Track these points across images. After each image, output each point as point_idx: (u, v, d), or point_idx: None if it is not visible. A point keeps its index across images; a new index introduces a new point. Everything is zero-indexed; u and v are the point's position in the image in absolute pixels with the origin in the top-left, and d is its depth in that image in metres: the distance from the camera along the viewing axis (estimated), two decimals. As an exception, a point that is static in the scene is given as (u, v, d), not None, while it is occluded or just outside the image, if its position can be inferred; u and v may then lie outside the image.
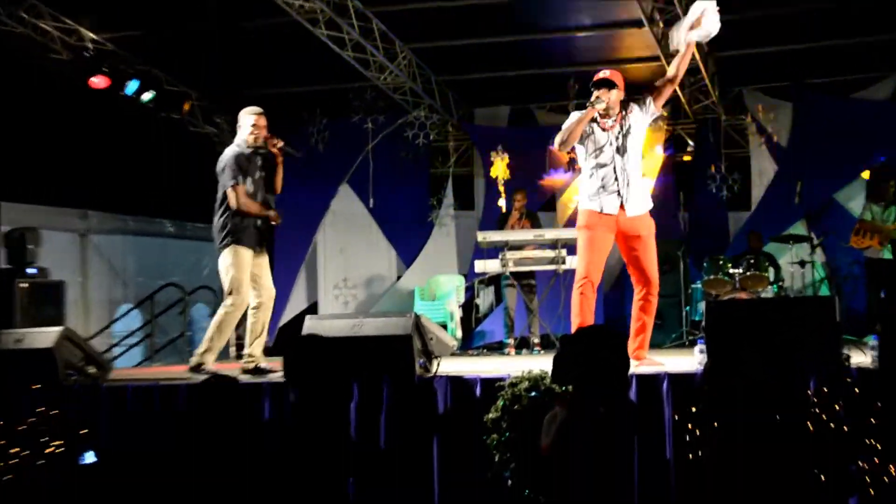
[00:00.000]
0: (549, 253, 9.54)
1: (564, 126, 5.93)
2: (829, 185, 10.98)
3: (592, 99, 5.82)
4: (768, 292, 9.96)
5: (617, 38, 10.56)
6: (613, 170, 5.85)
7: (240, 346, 7.14)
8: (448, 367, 5.73)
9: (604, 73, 5.89)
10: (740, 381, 4.39)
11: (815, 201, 10.82)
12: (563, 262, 9.45)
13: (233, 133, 12.09)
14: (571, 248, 9.55)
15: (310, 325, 5.49)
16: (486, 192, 12.03)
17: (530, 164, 11.77)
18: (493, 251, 9.82)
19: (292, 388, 4.93)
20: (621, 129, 5.88)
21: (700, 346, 5.19)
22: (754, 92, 11.62)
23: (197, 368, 6.38)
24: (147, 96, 10.47)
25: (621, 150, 5.85)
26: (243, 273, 6.43)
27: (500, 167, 11.74)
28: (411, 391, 5.32)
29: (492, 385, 5.22)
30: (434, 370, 5.54)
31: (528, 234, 9.62)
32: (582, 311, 5.83)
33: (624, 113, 5.91)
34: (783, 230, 10.63)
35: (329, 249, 12.34)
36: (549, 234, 9.59)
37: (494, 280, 11.59)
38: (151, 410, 5.57)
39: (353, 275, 12.31)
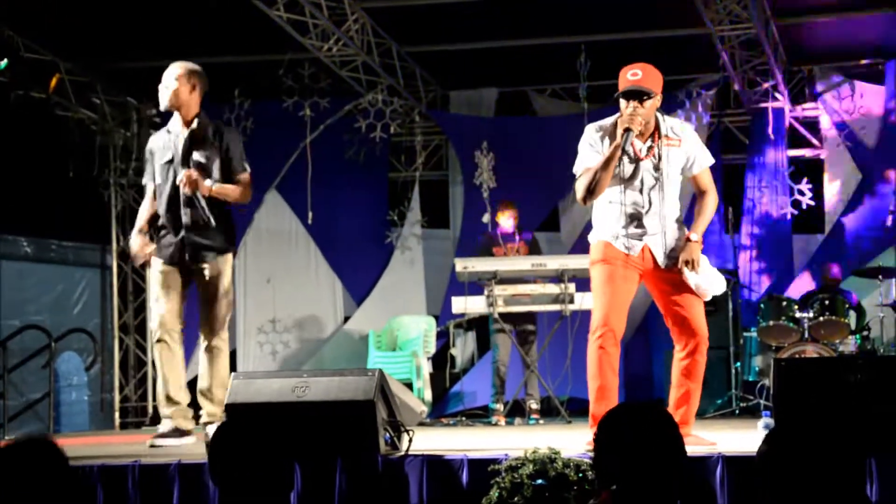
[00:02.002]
0: (552, 288, 9.63)
1: (584, 168, 5.88)
2: (933, 199, 11.18)
3: (620, 135, 5.71)
4: (849, 344, 10.09)
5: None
6: (646, 212, 5.83)
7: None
8: (421, 442, 5.76)
9: (633, 75, 5.77)
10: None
11: (915, 221, 11.02)
12: (571, 301, 9.54)
13: (116, 118, 12.37)
14: (582, 281, 9.65)
15: (236, 387, 5.51)
16: (467, 204, 12.13)
17: (524, 167, 11.87)
18: (475, 285, 9.88)
19: (212, 473, 4.94)
20: (658, 158, 5.84)
21: (766, 420, 5.28)
22: (831, 72, 11.81)
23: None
24: (-4, 66, 10.45)
25: (657, 188, 5.83)
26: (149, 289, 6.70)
27: (484, 171, 11.84)
28: (374, 477, 5.33)
29: (483, 468, 5.24)
30: (405, 448, 5.56)
31: (524, 263, 9.70)
32: (602, 372, 5.83)
33: (661, 133, 5.85)
34: (869, 261, 10.78)
35: (251, 280, 12.34)
36: (553, 262, 9.68)
37: (475, 323, 11.65)
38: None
39: (285, 314, 12.33)
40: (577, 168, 5.93)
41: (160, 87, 6.75)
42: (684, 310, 5.92)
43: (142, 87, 12.19)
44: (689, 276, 5.80)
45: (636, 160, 5.84)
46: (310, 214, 12.06)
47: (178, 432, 6.55)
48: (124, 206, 12.67)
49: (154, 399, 12.49)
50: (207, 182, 6.55)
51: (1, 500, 3.38)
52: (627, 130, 5.71)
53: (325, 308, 12.37)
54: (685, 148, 5.88)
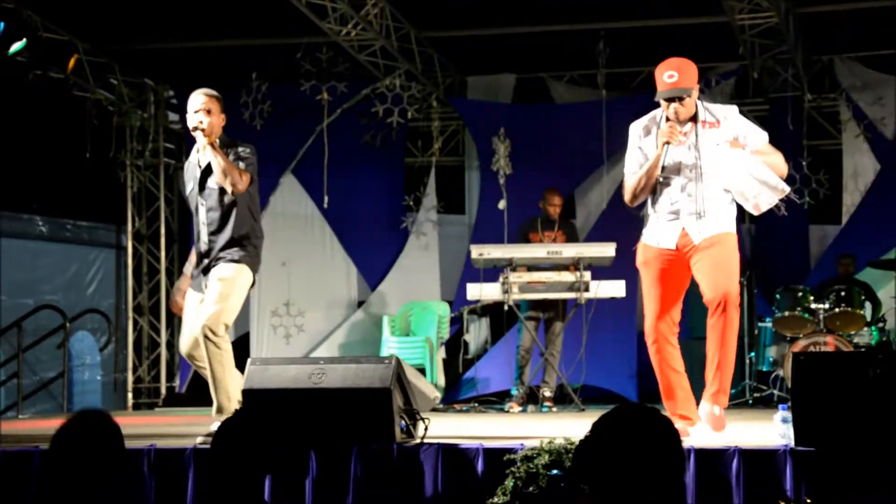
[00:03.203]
0: (568, 276, 9.61)
1: (631, 174, 6.16)
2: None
3: (660, 146, 5.95)
4: (864, 336, 10.06)
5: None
6: (685, 192, 6.04)
7: None
8: (434, 429, 5.76)
9: (670, 77, 5.97)
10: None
11: (933, 214, 10.98)
12: (586, 290, 9.53)
13: (133, 99, 12.37)
14: (597, 270, 9.63)
15: (252, 373, 5.51)
16: (483, 190, 12.10)
17: (541, 154, 11.84)
18: (491, 272, 9.86)
19: (227, 458, 4.93)
20: (696, 140, 6.04)
21: (783, 414, 5.25)
22: (851, 62, 11.72)
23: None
24: (16, 46, 10.42)
25: (695, 170, 6.02)
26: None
27: (501, 157, 11.81)
28: (390, 464, 5.33)
29: (499, 457, 5.25)
30: (420, 436, 5.56)
31: (539, 251, 9.68)
32: (663, 373, 6.17)
33: (698, 118, 6.06)
34: (886, 253, 10.74)
35: (266, 262, 12.13)
36: (569, 250, 9.66)
37: (489, 309, 11.65)
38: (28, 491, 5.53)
39: (299, 298, 12.32)
40: (625, 169, 6.23)
41: (190, 114, 6.49)
42: (708, 269, 6.03)
43: (159, 69, 12.23)
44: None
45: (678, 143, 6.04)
46: (325, 198, 12.04)
47: None
48: (140, 186, 12.70)
49: (167, 380, 12.56)
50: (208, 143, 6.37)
51: (65, 468, 3.46)
52: (667, 144, 5.95)
53: (339, 292, 12.36)
54: (725, 127, 6.06)
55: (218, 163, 6.34)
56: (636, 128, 6.19)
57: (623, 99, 11.92)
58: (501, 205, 11.58)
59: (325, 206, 12.10)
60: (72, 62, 11.28)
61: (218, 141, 6.42)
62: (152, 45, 11.64)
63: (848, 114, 11.66)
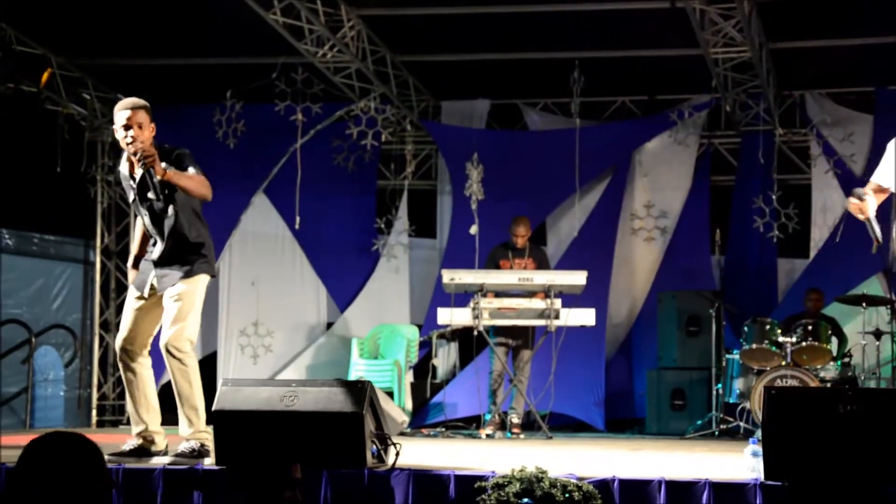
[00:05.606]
0: (538, 303, 9.61)
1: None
2: (918, 228, 11.20)
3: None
4: (829, 370, 10.11)
5: (641, 15, 10.72)
6: None
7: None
8: (404, 454, 5.74)
9: None
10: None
11: (899, 250, 11.03)
12: (557, 317, 9.52)
13: (106, 114, 12.28)
14: (567, 297, 9.64)
15: (224, 394, 5.48)
16: (454, 214, 12.12)
17: (514, 180, 11.87)
18: (461, 296, 9.87)
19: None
20: None
21: (753, 448, 5.27)
22: (822, 98, 11.85)
23: (203, 451, 6.14)
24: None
25: None
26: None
27: (473, 182, 11.83)
28: (360, 489, 5.31)
29: (470, 485, 5.23)
30: (391, 461, 5.54)
31: (511, 277, 9.68)
32: None
33: None
34: (852, 288, 10.80)
35: (235, 281, 12.30)
36: (540, 277, 9.66)
37: (458, 334, 11.64)
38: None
39: (268, 317, 12.30)
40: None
41: (119, 130, 6.05)
42: None
43: (133, 85, 12.14)
44: None
45: None
46: (297, 219, 12.02)
47: None
48: (110, 202, 12.64)
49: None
50: (162, 164, 5.93)
51: (31, 488, 3.40)
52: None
53: (308, 313, 12.34)
54: None
55: (183, 188, 5.98)
56: None
57: (596, 128, 11.99)
58: (473, 230, 11.60)
59: (297, 226, 12.08)
60: (45, 76, 11.24)
61: (155, 153, 5.92)
62: (126, 60, 11.61)
63: (818, 149, 11.76)
